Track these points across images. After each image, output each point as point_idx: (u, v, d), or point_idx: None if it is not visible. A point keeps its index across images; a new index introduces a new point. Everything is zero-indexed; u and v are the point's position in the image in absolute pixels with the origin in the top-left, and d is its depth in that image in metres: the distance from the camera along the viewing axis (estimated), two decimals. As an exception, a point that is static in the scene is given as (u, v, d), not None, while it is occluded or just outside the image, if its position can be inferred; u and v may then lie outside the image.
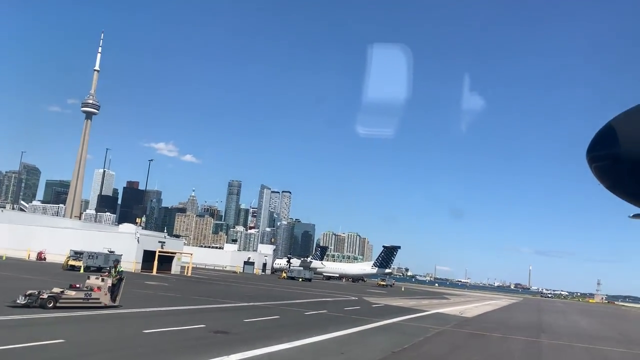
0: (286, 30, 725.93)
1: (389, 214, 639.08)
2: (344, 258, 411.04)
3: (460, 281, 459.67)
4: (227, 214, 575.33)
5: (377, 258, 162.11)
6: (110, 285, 26.66)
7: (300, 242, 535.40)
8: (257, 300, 43.72)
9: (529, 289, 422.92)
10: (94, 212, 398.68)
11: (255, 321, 27.59)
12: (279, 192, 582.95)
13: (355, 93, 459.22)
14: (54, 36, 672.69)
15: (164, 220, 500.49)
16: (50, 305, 23.89)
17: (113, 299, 26.86)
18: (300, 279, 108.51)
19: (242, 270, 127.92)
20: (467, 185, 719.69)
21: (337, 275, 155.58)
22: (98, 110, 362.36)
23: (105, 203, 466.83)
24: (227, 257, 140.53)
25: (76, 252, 65.02)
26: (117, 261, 30.89)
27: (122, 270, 28.20)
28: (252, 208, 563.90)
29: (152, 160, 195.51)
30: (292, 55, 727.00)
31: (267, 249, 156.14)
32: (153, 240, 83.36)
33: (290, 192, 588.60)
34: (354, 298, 60.88)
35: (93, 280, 26.97)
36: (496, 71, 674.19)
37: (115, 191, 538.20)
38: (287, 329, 26.14)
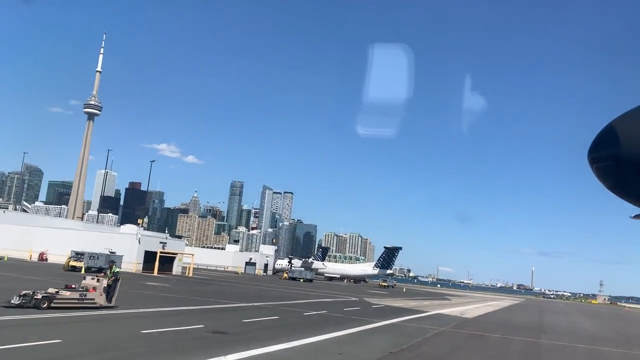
0: (288, 31, 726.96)
1: (391, 215, 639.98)
2: (345, 259, 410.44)
3: (462, 282, 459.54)
4: (229, 214, 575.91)
5: (379, 259, 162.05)
6: (105, 285, 26.56)
7: (302, 242, 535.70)
8: (257, 300, 43.76)
9: (531, 289, 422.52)
10: (96, 213, 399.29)
11: (255, 321, 27.60)
12: (281, 193, 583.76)
13: (356, 93, 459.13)
14: (56, 38, 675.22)
15: (166, 221, 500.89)
16: (44, 305, 23.82)
17: (109, 299, 26.77)
18: (302, 280, 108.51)
19: (243, 271, 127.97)
20: (469, 186, 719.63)
21: (339, 276, 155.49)
22: (100, 111, 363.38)
23: (108, 204, 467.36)
24: (228, 257, 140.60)
25: (77, 253, 65.17)
26: (112, 262, 30.70)
27: (117, 271, 28.07)
28: (254, 209, 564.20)
29: (154, 161, 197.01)
30: (293, 55, 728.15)
31: (268, 250, 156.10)
32: (154, 241, 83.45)
33: (292, 193, 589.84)
34: (354, 299, 60.85)
35: (89, 281, 26.90)
36: (498, 71, 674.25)
37: (117, 192, 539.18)
38: (286, 329, 26.13)
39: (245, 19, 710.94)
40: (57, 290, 25.06)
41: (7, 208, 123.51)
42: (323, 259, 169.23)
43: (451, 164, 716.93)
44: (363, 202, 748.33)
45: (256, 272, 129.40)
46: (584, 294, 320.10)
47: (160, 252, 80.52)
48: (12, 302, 23.56)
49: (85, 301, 25.61)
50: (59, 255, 72.37)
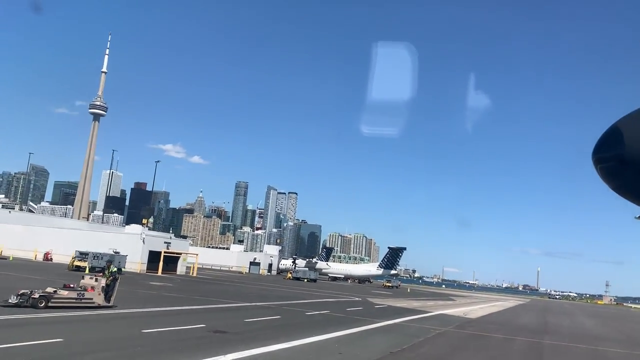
0: (291, 31, 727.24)
1: (396, 216, 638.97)
2: (350, 259, 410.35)
3: (468, 283, 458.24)
4: (234, 215, 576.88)
5: (383, 259, 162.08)
6: (104, 285, 26.50)
7: (306, 243, 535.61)
8: (260, 300, 43.83)
9: (537, 290, 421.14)
10: (101, 213, 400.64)
11: (256, 321, 27.67)
12: (285, 194, 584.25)
13: (360, 93, 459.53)
14: (61, 38, 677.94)
15: (171, 221, 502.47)
16: (42, 305, 23.82)
17: (107, 299, 26.70)
18: (306, 280, 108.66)
19: (247, 271, 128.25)
20: (475, 186, 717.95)
21: (343, 276, 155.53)
22: (106, 111, 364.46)
23: (113, 204, 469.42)
24: (233, 257, 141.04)
25: (81, 253, 65.46)
26: (109, 261, 30.74)
27: (115, 271, 28.07)
28: (259, 209, 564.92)
29: (158, 161, 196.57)
30: (298, 56, 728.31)
31: (272, 250, 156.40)
32: (159, 241, 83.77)
33: (296, 194, 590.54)
34: (357, 299, 60.85)
35: (87, 280, 26.90)
36: (503, 70, 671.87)
37: (123, 192, 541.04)
38: (287, 328, 26.19)
39: (249, 20, 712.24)
40: (55, 289, 25.11)
41: (14, 208, 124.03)
42: (327, 259, 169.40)
43: (457, 163, 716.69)
44: (368, 203, 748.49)
45: (260, 272, 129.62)
46: (590, 295, 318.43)
47: (165, 252, 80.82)
48: (10, 301, 23.61)
49: (83, 301, 25.58)
50: (64, 255, 72.76)
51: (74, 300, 25.33)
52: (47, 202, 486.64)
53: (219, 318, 28.69)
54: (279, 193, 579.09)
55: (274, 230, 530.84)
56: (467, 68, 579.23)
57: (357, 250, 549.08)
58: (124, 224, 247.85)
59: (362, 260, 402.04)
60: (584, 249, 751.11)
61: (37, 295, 23.95)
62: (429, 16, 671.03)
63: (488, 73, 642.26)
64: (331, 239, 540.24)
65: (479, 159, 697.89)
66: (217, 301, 39.60)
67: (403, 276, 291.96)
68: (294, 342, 21.11)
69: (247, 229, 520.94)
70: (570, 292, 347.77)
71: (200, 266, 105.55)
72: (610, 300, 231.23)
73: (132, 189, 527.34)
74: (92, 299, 25.96)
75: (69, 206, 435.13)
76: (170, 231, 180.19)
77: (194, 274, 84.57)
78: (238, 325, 25.68)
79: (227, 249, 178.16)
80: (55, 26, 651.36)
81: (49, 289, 25.05)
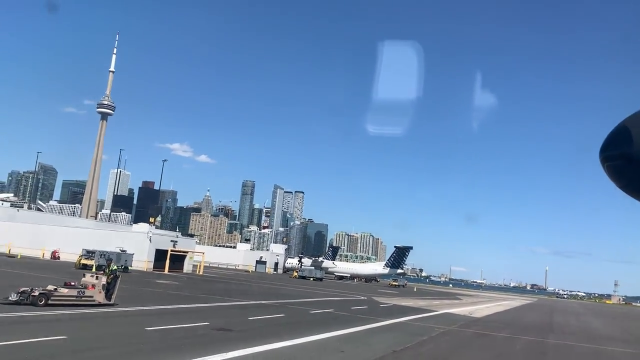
0: (298, 31, 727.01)
1: (403, 215, 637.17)
2: (357, 258, 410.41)
3: (475, 282, 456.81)
4: (241, 213, 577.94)
5: (389, 258, 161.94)
6: (104, 283, 26.49)
7: (313, 242, 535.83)
8: (265, 298, 43.97)
9: (545, 289, 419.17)
10: (109, 212, 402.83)
11: (260, 319, 27.80)
12: (292, 192, 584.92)
13: (366, 92, 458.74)
14: (69, 38, 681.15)
15: (179, 219, 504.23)
16: (42, 302, 23.87)
17: (108, 297, 26.69)
18: (312, 279, 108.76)
19: (254, 269, 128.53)
20: (482, 185, 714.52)
21: (349, 275, 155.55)
22: (113, 111, 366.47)
23: (121, 203, 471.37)
24: (239, 256, 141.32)
25: (88, 251, 65.83)
26: (110, 259, 30.81)
27: (116, 269, 28.12)
28: (266, 208, 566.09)
29: (165, 160, 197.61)
30: (304, 55, 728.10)
31: (279, 249, 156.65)
32: (165, 240, 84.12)
33: (303, 193, 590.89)
34: (362, 298, 60.87)
35: (88, 278, 26.98)
36: (509, 68, 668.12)
37: (131, 191, 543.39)
38: (291, 326, 26.29)
39: (256, 20, 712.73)
40: (55, 287, 25.18)
41: (22, 207, 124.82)
42: (333, 258, 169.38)
43: (464, 162, 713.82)
44: (375, 202, 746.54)
45: (266, 271, 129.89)
46: (598, 294, 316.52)
47: (171, 251, 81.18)
48: (10, 298, 23.72)
49: (83, 298, 25.61)
50: (71, 254, 73.21)
51: (75, 298, 25.37)
52: (55, 200, 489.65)
53: (223, 316, 28.81)
54: (285, 192, 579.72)
55: (281, 229, 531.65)
56: (473, 66, 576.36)
57: (364, 249, 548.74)
58: (131, 223, 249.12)
59: (368, 259, 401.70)
60: (592, 248, 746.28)
61: (37, 293, 24.00)
62: (434, 15, 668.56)
63: (494, 70, 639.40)
64: (338, 238, 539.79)
65: (487, 157, 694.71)
66: (222, 299, 39.78)
67: (410, 275, 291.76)
68: (297, 340, 21.20)
69: (254, 227, 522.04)
70: (578, 291, 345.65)
71: (207, 265, 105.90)
72: (619, 299, 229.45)
73: (139, 187, 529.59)
74: (92, 296, 25.97)
75: (77, 205, 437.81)
76: (177, 230, 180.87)
77: (201, 273, 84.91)
78: (242, 323, 25.80)
79: (234, 247, 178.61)
80: (63, 26, 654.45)
81: (50, 287, 25.15)
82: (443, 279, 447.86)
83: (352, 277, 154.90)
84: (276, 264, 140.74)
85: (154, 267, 78.41)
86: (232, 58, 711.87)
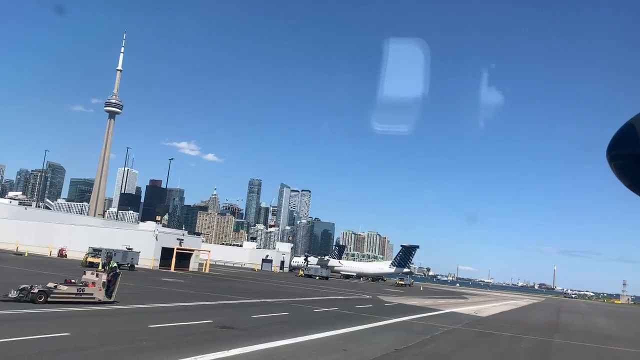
0: (305, 28, 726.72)
1: (410, 214, 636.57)
2: (363, 257, 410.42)
3: (483, 281, 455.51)
4: (247, 212, 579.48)
5: (396, 257, 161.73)
6: (105, 280, 26.45)
7: (319, 241, 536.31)
8: (270, 297, 44.05)
9: (553, 289, 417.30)
10: (117, 210, 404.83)
11: (263, 317, 27.85)
12: (298, 191, 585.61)
13: (373, 91, 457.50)
14: (78, 37, 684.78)
15: (186, 218, 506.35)
16: (41, 300, 23.85)
17: (108, 295, 26.65)
18: (317, 277, 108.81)
19: (260, 268, 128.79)
20: (489, 183, 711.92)
21: (355, 274, 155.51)
22: (121, 109, 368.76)
23: (129, 201, 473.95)
24: (245, 254, 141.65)
25: (95, 249, 66.20)
26: (110, 257, 30.77)
27: (116, 266, 28.15)
28: (272, 207, 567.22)
29: (172, 159, 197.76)
30: (310, 53, 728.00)
31: (285, 247, 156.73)
32: (171, 238, 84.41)
33: (309, 191, 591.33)
34: (368, 297, 60.83)
35: (88, 276, 26.97)
36: (515, 67, 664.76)
37: (138, 189, 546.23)
38: (294, 325, 26.32)
39: (262, 18, 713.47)
40: (55, 284, 25.21)
41: (30, 205, 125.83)
42: (340, 257, 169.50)
43: (471, 161, 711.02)
44: (382, 201, 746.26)
45: (272, 269, 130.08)
46: (607, 294, 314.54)
47: (177, 249, 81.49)
48: (10, 296, 23.80)
49: (83, 296, 25.58)
50: (78, 252, 73.66)
51: (74, 296, 25.34)
52: (63, 199, 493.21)
53: (227, 314, 28.87)
54: (292, 191, 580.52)
55: (287, 227, 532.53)
56: (480, 64, 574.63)
57: (371, 248, 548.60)
58: (139, 221, 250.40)
59: (375, 258, 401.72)
60: (601, 248, 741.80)
61: (36, 290, 24.01)
62: (441, 12, 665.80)
63: (502, 68, 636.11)
64: (344, 237, 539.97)
65: (494, 155, 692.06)
66: (227, 297, 39.88)
67: (417, 275, 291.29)
68: (299, 338, 21.23)
69: (260, 226, 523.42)
70: (587, 291, 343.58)
71: (213, 263, 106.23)
72: (628, 299, 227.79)
73: (147, 186, 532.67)
74: (92, 294, 25.93)
75: (84, 203, 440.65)
76: (183, 228, 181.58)
77: (206, 271, 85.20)
78: (245, 321, 25.84)
79: (240, 246, 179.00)
80: (71, 24, 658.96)
81: (50, 284, 25.17)
82: (450, 278, 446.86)
83: (359, 276, 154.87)
84: (282, 263, 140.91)
85: (160, 265, 78.73)
86: (240, 57, 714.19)
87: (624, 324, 62.78)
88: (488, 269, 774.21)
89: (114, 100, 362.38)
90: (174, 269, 77.39)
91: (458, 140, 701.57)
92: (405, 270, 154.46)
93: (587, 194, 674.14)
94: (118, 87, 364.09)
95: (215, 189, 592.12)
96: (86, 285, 26.23)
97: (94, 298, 25.92)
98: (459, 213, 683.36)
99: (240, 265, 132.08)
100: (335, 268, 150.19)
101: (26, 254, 76.06)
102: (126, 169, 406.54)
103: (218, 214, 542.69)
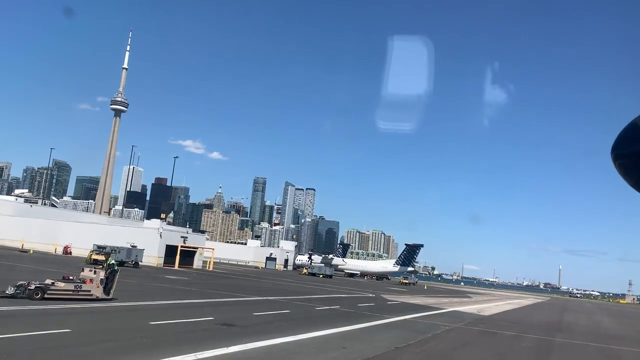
0: (308, 27, 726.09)
1: (415, 213, 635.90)
2: (368, 256, 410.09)
3: (487, 280, 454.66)
4: (252, 210, 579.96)
5: (400, 256, 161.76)
6: (102, 277, 26.40)
7: (324, 239, 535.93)
8: (272, 294, 44.15)
9: (558, 288, 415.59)
10: (122, 208, 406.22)
11: (265, 315, 27.93)
12: (303, 189, 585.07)
13: (377, 89, 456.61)
14: (83, 35, 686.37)
15: (191, 216, 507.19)
16: (38, 296, 23.85)
17: (106, 291, 26.61)
18: (321, 276, 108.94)
19: (264, 266, 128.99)
20: (494, 183, 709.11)
21: (359, 272, 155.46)
22: (127, 108, 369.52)
23: (134, 199, 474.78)
24: (249, 252, 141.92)
25: (99, 247, 66.42)
26: (108, 254, 30.78)
27: (114, 263, 28.17)
28: (277, 205, 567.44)
29: (177, 157, 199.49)
30: (314, 52, 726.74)
31: (288, 245, 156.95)
32: (176, 235, 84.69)
33: (314, 190, 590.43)
34: (370, 295, 60.83)
35: (86, 273, 27.01)
36: (520, 65, 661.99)
37: (143, 187, 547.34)
38: (295, 322, 26.37)
39: (266, 17, 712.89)
40: (52, 281, 25.22)
41: (36, 202, 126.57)
42: (344, 256, 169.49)
43: (476, 160, 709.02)
44: (386, 200, 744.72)
45: (276, 267, 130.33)
46: (613, 294, 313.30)
47: (181, 247, 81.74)
48: (7, 292, 23.81)
49: (80, 293, 25.55)
50: (83, 249, 74.01)
51: (72, 292, 25.32)
52: (69, 196, 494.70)
53: (229, 311, 28.97)
54: (296, 189, 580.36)
55: (292, 226, 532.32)
56: (484, 62, 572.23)
57: (375, 247, 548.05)
58: (144, 219, 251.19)
59: (380, 257, 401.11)
60: (607, 247, 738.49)
61: (33, 287, 24.01)
62: (445, 11, 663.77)
63: (507, 67, 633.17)
64: (349, 235, 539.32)
65: (499, 155, 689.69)
66: (229, 295, 39.99)
67: (422, 273, 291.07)
68: (300, 335, 21.27)
69: (265, 224, 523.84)
70: (592, 290, 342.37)
71: (218, 261, 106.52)
72: (633, 299, 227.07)
73: (152, 184, 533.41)
74: (89, 291, 25.91)
75: (90, 201, 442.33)
76: (187, 225, 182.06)
77: (210, 269, 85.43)
78: (246, 318, 25.93)
79: (244, 244, 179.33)
80: (77, 24, 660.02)
81: (48, 281, 25.18)
82: (455, 277, 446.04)
83: (363, 274, 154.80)
84: (286, 261, 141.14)
85: (164, 263, 79.03)
86: (244, 56, 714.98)
87: (628, 324, 62.55)
88: (493, 268, 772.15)
89: (119, 99, 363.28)
90: (178, 267, 77.66)
91: (463, 140, 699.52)
92: (410, 269, 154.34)
93: (593, 194, 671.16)
94: (124, 85, 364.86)
95: (220, 187, 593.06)
96: (84, 282, 26.23)
97: (91, 295, 25.89)
98: (464, 212, 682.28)
99: (244, 263, 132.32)
100: (339, 266, 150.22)
101: (31, 251, 76.48)
102: (132, 167, 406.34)
103: (223, 212, 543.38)
